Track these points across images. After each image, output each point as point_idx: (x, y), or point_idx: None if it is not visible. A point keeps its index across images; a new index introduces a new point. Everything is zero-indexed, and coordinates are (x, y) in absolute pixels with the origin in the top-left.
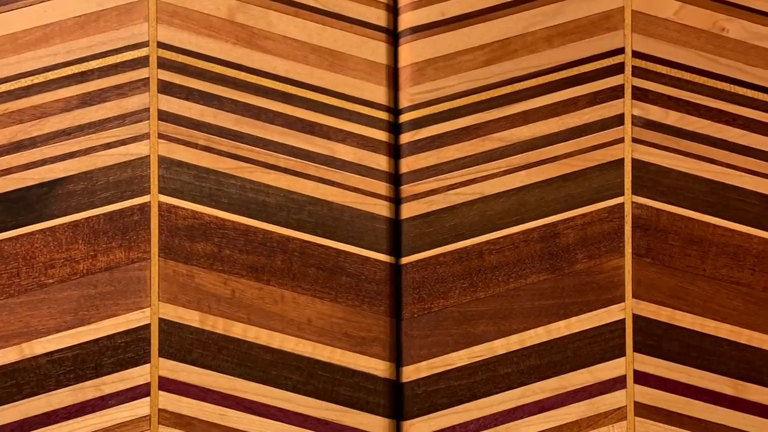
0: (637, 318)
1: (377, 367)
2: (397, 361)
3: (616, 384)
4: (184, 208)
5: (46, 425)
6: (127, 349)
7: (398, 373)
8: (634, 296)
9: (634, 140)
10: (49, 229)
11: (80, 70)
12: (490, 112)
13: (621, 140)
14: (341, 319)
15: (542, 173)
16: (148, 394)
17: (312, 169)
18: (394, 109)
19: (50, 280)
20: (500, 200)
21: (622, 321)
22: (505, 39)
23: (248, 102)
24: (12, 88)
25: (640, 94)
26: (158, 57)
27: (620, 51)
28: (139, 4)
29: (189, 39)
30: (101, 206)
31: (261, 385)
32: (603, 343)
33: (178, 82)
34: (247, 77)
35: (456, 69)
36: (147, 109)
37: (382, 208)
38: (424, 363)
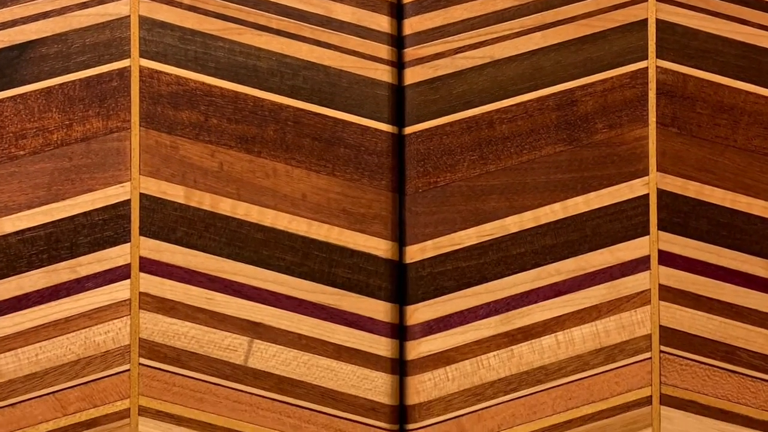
0: (661, 193)
1: (378, 246)
2: (400, 240)
3: (639, 265)
4: (167, 74)
5: (17, 310)
6: (105, 227)
7: (401, 253)
8: (659, 169)
9: None
10: (20, 96)
11: None
12: None
13: None
14: (339, 194)
15: (559, 35)
16: (128, 277)
17: (307, 30)
18: None
19: (21, 152)
20: (513, 64)
21: (646, 196)
22: None
23: None
24: None
25: None
26: None
27: None
28: None
29: None
30: (77, 71)
31: (251, 266)
32: (625, 221)
33: None
34: None
35: None
36: None
37: (384, 73)
38: (429, 242)
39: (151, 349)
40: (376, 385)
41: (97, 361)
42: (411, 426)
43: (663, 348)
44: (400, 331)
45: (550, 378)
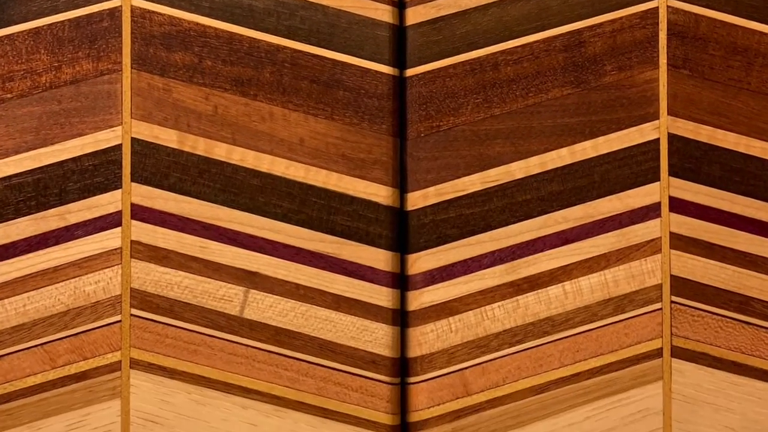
0: (673, 138)
1: (378, 193)
2: (401, 186)
3: (649, 212)
4: (160, 14)
5: (5, 259)
6: (95, 173)
7: (402, 200)
8: (670, 113)
9: None
10: (7, 37)
11: None
12: None
13: None
14: (338, 138)
15: None
16: (119, 224)
17: None
18: None
19: (8, 95)
20: (518, 4)
21: (656, 141)
22: None
23: None
24: None
25: None
26: None
27: None
28: None
29: None
30: (66, 11)
31: (247, 213)
32: (634, 166)
33: None
34: None
35: None
36: None
37: (385, 13)
38: (431, 189)
39: (143, 300)
40: (377, 337)
41: (87, 312)
42: (412, 379)
43: (674, 298)
44: (401, 281)
45: (557, 329)
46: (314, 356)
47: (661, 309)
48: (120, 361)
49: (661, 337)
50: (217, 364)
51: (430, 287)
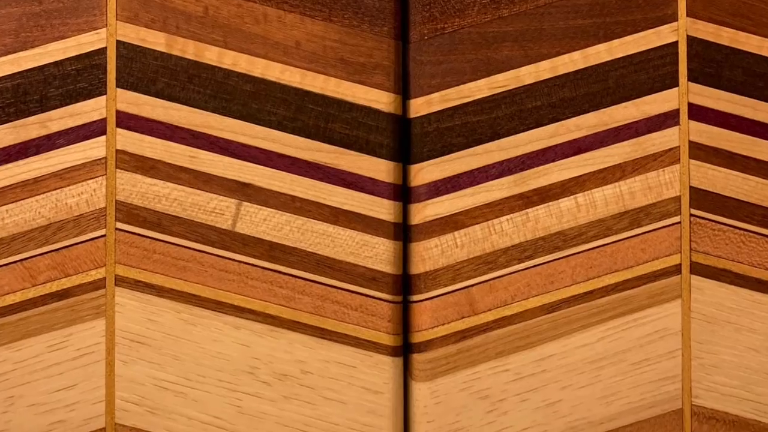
0: (692, 40)
1: (379, 99)
2: (404, 92)
3: (667, 120)
4: None
5: None
6: (78, 78)
7: (405, 106)
8: (689, 14)
9: None
10: None
11: None
12: None
13: None
14: (336, 41)
15: None
16: (103, 133)
17: None
18: None
19: None
20: None
21: (675, 44)
22: None
23: None
24: None
25: None
26: None
27: None
28: None
29: None
30: None
31: (239, 121)
32: (651, 71)
33: None
34: None
35: None
36: None
37: None
38: (435, 95)
39: (129, 213)
40: (377, 253)
41: (69, 226)
42: (415, 297)
43: (693, 211)
44: (403, 193)
45: (569, 244)
46: (311, 273)
47: (679, 223)
48: (104, 278)
49: (680, 252)
50: (207, 281)
51: (434, 199)
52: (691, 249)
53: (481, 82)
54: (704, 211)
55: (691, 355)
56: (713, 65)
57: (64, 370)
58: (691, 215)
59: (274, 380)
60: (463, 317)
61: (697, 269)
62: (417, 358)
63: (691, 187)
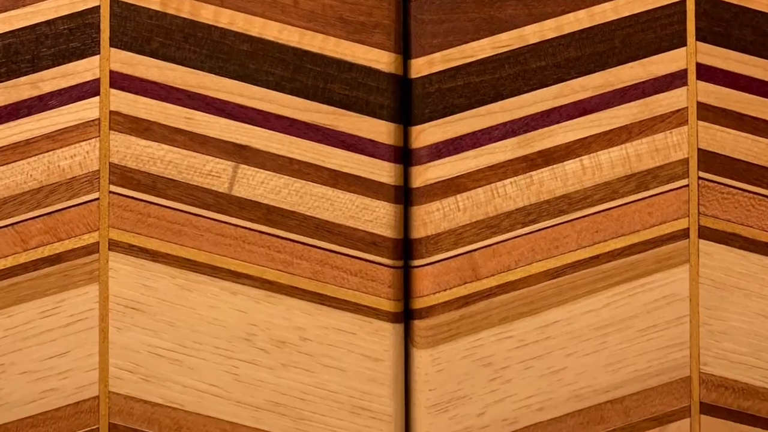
0: None
1: (380, 59)
2: (405, 52)
3: (674, 80)
4: None
5: None
6: (71, 38)
7: (406, 66)
8: None
9: None
10: None
11: None
12: None
13: None
14: (335, 0)
15: None
16: (97, 93)
17: None
18: None
19: None
20: None
21: (683, 2)
22: None
23: None
24: None
25: None
26: None
27: None
28: None
29: None
30: None
31: (236, 81)
32: (659, 30)
33: None
34: None
35: None
36: None
37: None
38: (437, 54)
39: (123, 176)
40: (378, 216)
41: (62, 189)
42: (417, 262)
43: (702, 174)
44: (404, 155)
45: (574, 208)
46: (309, 237)
47: (687, 186)
48: (98, 243)
49: (688, 216)
50: (203, 245)
51: (435, 162)
52: (699, 213)
53: (484, 42)
54: (713, 174)
55: (699, 321)
56: (722, 24)
57: (56, 337)
58: (700, 178)
59: (272, 347)
60: (465, 283)
61: (706, 233)
62: (418, 324)
63: (699, 149)
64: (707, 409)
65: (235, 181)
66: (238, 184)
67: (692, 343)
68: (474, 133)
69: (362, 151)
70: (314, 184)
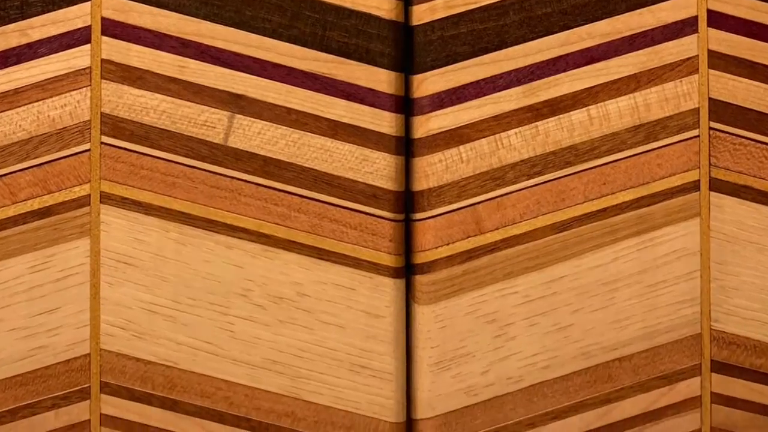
0: None
1: (380, 5)
2: None
3: (684, 27)
4: None
5: None
6: None
7: (407, 13)
8: None
9: None
10: None
11: None
12: None
13: None
14: None
15: None
16: (88, 41)
17: None
18: None
19: None
20: None
21: None
22: None
23: None
24: None
25: None
26: None
27: None
28: None
29: None
30: None
31: (231, 28)
32: None
33: None
34: None
35: None
36: None
37: None
38: (439, 0)
39: (115, 126)
40: (378, 168)
41: (51, 140)
42: (418, 215)
43: (713, 124)
44: (405, 105)
45: (581, 159)
46: (308, 190)
47: (698, 136)
48: (89, 195)
49: (699, 168)
50: (198, 198)
51: (438, 112)
52: (710, 164)
53: None
54: (724, 124)
55: (710, 276)
56: None
57: (46, 293)
58: (711, 128)
59: (269, 303)
60: (468, 236)
61: (717, 185)
62: (420, 279)
63: (710, 99)
64: (718, 367)
65: (230, 131)
66: (233, 135)
67: (703, 299)
68: (477, 82)
69: (362, 101)
70: (312, 134)
